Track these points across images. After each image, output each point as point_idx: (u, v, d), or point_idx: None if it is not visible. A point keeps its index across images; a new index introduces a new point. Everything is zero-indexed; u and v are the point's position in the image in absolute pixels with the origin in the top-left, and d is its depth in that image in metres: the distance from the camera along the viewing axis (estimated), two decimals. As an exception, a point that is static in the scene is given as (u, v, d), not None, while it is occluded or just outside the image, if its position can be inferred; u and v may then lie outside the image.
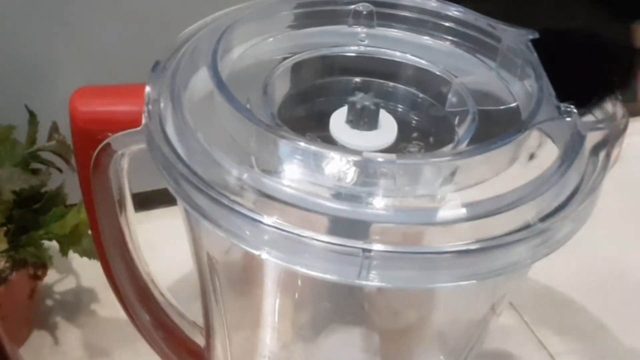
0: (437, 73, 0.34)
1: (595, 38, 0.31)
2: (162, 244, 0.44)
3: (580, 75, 0.30)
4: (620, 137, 0.28)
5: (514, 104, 0.32)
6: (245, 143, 0.27)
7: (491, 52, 0.33)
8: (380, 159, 0.25)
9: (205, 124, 0.28)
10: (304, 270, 0.25)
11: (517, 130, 0.27)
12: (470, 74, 0.33)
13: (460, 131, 0.32)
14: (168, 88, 0.29)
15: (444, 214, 0.25)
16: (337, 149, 0.28)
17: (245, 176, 0.25)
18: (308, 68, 0.34)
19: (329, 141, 0.30)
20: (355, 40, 0.35)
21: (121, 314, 0.40)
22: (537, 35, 0.32)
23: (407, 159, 0.28)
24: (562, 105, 0.29)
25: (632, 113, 0.30)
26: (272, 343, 0.38)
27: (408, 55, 0.35)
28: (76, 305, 0.50)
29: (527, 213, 0.25)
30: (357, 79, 0.35)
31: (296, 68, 0.34)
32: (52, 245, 0.44)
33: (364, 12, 0.35)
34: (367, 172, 0.26)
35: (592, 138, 0.28)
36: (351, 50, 0.35)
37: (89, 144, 0.32)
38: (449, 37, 0.34)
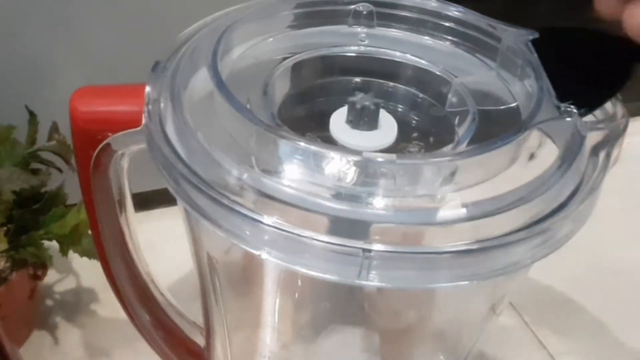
0: (437, 73, 0.34)
1: (594, 37, 0.31)
2: (162, 244, 0.44)
3: (580, 75, 0.30)
4: (620, 137, 0.28)
5: (514, 104, 0.32)
6: (245, 143, 0.27)
7: (491, 52, 0.33)
8: (380, 159, 0.25)
9: (205, 124, 0.28)
10: (304, 270, 0.25)
11: (517, 130, 0.27)
12: (470, 74, 0.33)
13: (460, 131, 0.32)
14: (168, 88, 0.29)
15: (444, 214, 0.25)
16: (337, 149, 0.28)
17: (245, 176, 0.25)
18: (308, 68, 0.34)
19: (329, 141, 0.30)
20: (355, 40, 0.35)
21: (121, 314, 0.40)
22: (537, 35, 0.32)
23: (407, 159, 0.28)
24: (562, 105, 0.29)
25: (632, 113, 0.30)
26: (272, 343, 0.38)
27: (408, 55, 0.35)
28: (76, 305, 0.50)
29: (527, 213, 0.25)
30: (357, 79, 0.35)
31: (296, 68, 0.34)
32: (52, 245, 0.44)
33: (364, 12, 0.35)
34: (367, 172, 0.26)
35: (592, 138, 0.28)
36: (351, 50, 0.35)
37: (89, 144, 0.32)
38: (449, 37, 0.34)
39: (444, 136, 0.32)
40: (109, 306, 0.49)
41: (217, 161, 0.26)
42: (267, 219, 0.25)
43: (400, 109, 0.34)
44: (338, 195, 0.26)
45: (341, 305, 0.37)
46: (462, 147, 0.30)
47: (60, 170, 0.45)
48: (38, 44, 0.48)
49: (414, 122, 0.34)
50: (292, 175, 0.26)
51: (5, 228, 0.42)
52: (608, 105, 0.30)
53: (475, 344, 0.36)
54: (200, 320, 0.39)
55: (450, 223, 0.25)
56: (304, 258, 0.25)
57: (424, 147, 0.32)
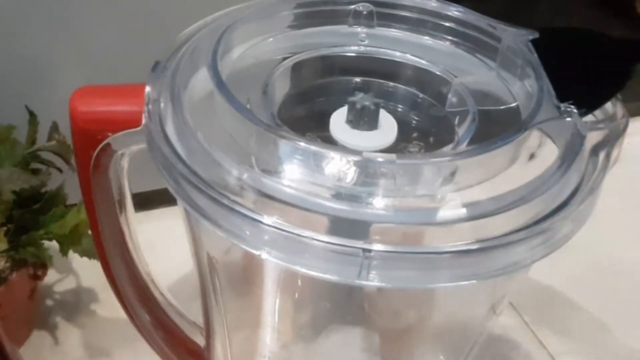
0: (437, 73, 0.34)
1: (594, 37, 0.31)
2: (162, 244, 0.44)
3: (581, 75, 0.30)
4: (620, 137, 0.28)
5: (514, 104, 0.32)
6: (245, 143, 0.27)
7: (491, 52, 0.33)
8: (380, 159, 0.25)
9: (205, 124, 0.28)
10: (304, 270, 0.25)
11: (517, 130, 0.27)
12: (470, 74, 0.33)
13: (460, 131, 0.32)
14: (168, 88, 0.29)
15: (444, 214, 0.25)
16: (337, 149, 0.28)
17: (245, 176, 0.25)
18: (308, 68, 0.34)
19: (329, 141, 0.30)
20: (355, 40, 0.35)
21: (121, 314, 0.40)
22: (537, 35, 0.32)
23: (407, 159, 0.28)
24: (562, 105, 0.29)
25: (632, 113, 0.30)
26: (272, 343, 0.38)
27: (408, 55, 0.35)
28: (76, 305, 0.50)
29: (527, 213, 0.25)
30: (357, 79, 0.35)
31: (296, 68, 0.34)
32: (52, 245, 0.44)
33: (364, 12, 0.35)
34: (367, 172, 0.26)
35: (592, 138, 0.28)
36: (351, 50, 0.35)
37: (89, 144, 0.32)
38: (449, 37, 0.34)
39: (444, 136, 0.32)
40: (109, 306, 0.48)
41: (217, 161, 0.26)
42: (267, 219, 0.25)
43: (400, 109, 0.34)
44: (338, 195, 0.26)
45: (341, 305, 0.37)
46: (462, 147, 0.30)
47: (60, 170, 0.45)
48: (38, 44, 0.48)
49: (414, 122, 0.34)
50: (292, 175, 0.26)
51: (5, 228, 0.42)
52: (608, 105, 0.30)
53: (475, 344, 0.36)
54: (200, 320, 0.39)
55: (450, 223, 0.25)
56: (304, 258, 0.25)
57: (424, 147, 0.32)
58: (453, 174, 0.26)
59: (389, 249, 0.24)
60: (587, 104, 0.29)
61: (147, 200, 0.48)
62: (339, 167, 0.26)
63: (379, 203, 0.26)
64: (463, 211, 0.25)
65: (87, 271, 0.51)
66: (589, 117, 0.29)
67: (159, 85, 0.29)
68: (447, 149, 0.30)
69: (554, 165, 0.27)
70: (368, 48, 0.35)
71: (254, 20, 0.33)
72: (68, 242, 0.43)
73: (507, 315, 0.51)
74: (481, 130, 0.31)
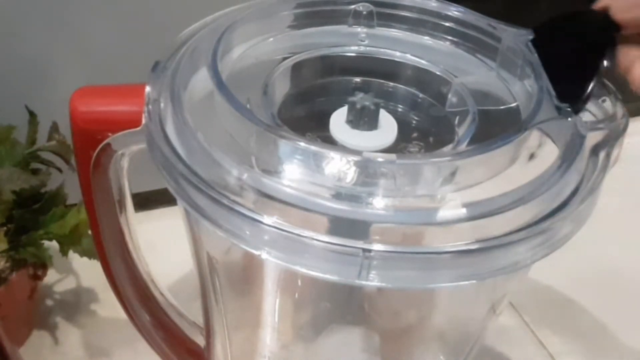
0: (437, 73, 0.34)
1: (578, 28, 0.31)
2: (162, 244, 0.44)
3: (563, 70, 0.30)
4: (620, 137, 0.28)
5: (514, 104, 0.32)
6: (245, 143, 0.27)
7: (491, 52, 0.33)
8: (380, 159, 0.25)
9: (205, 124, 0.28)
10: (304, 270, 0.25)
11: (517, 130, 0.27)
12: (470, 74, 0.33)
13: (460, 131, 0.32)
14: (168, 88, 0.29)
15: (444, 214, 0.25)
16: (337, 149, 0.28)
17: (245, 176, 0.25)
18: (308, 68, 0.34)
19: (329, 141, 0.30)
20: (355, 40, 0.35)
21: (121, 314, 0.40)
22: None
23: (407, 159, 0.28)
24: (562, 105, 0.29)
25: (632, 113, 0.30)
26: (272, 343, 0.38)
27: (408, 55, 0.35)
28: (76, 305, 0.50)
29: (527, 213, 0.25)
30: (357, 79, 0.35)
31: (296, 68, 0.34)
32: (52, 245, 0.44)
33: (364, 12, 0.35)
34: (367, 172, 0.26)
35: (592, 138, 0.28)
36: (351, 50, 0.35)
37: (89, 144, 0.32)
38: (449, 37, 0.34)
39: (444, 136, 0.32)
40: (109, 306, 0.49)
41: (217, 161, 0.26)
42: (267, 219, 0.25)
43: (400, 109, 0.34)
44: (338, 195, 0.26)
45: (341, 305, 0.37)
46: (462, 147, 0.30)
47: (60, 170, 0.45)
48: (38, 44, 0.48)
49: (414, 122, 0.34)
50: (292, 175, 0.26)
51: (5, 228, 0.42)
52: (608, 105, 0.30)
53: (475, 344, 0.36)
54: (200, 320, 0.39)
55: (450, 223, 0.25)
56: (304, 258, 0.25)
57: (424, 147, 0.32)
58: (453, 174, 0.26)
59: (389, 249, 0.24)
60: (571, 97, 0.29)
61: (147, 200, 0.48)
62: (339, 167, 0.26)
63: (379, 203, 0.26)
64: (463, 211, 0.25)
65: (87, 271, 0.51)
66: (589, 117, 0.29)
67: (159, 85, 0.29)
68: (447, 149, 0.30)
69: (554, 165, 0.27)
70: (368, 48, 0.35)
71: (254, 20, 0.33)
72: (68, 242, 0.43)
73: (507, 315, 0.51)
74: (481, 130, 0.31)
